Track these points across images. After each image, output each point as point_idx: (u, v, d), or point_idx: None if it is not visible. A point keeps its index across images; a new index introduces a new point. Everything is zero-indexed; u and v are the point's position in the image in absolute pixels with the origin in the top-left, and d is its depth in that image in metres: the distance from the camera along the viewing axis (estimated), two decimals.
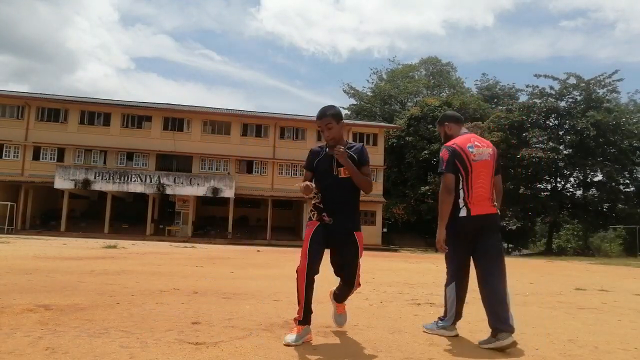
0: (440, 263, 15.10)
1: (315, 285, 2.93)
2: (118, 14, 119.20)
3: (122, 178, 31.38)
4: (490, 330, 2.91)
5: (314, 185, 2.92)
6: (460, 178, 3.07)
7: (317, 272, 2.93)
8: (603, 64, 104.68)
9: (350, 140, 3.07)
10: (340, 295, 3.27)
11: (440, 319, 3.34)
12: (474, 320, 3.88)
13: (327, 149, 3.05)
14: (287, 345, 2.74)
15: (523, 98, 41.50)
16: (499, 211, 3.23)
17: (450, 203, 3.06)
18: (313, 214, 3.03)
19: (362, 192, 3.06)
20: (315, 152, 3.14)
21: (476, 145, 3.13)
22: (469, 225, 3.05)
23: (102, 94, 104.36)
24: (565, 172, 36.39)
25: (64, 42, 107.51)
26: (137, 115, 34.43)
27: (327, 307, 4.30)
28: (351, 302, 4.72)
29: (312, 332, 2.94)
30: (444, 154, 3.10)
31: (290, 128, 35.94)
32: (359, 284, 3.19)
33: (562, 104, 36.24)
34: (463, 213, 3.05)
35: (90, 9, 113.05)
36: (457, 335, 3.23)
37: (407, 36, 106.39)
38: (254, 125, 35.56)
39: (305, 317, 2.87)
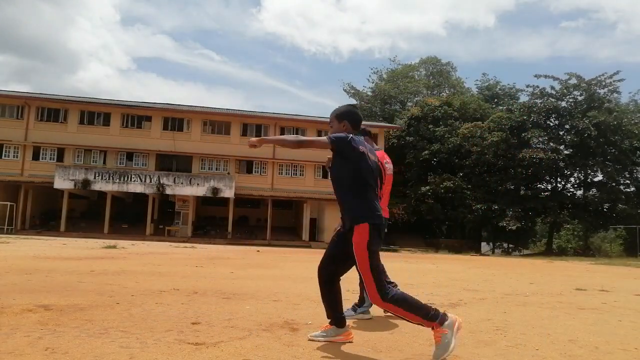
0: (440, 263, 15.09)
1: (335, 288, 2.91)
2: (119, 14, 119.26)
3: (122, 178, 31.37)
4: None
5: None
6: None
7: (329, 272, 2.87)
8: (603, 64, 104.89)
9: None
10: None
11: (357, 305, 3.82)
12: (474, 321, 3.88)
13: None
14: (309, 339, 2.90)
15: (523, 98, 41.51)
16: None
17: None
18: None
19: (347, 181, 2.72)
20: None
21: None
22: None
23: (104, 95, 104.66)
24: (566, 172, 36.39)
25: (65, 42, 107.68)
26: (136, 115, 34.43)
27: None
28: (351, 302, 4.71)
29: (341, 334, 2.90)
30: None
31: (290, 128, 35.96)
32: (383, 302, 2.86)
33: (563, 104, 36.24)
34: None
35: (92, 10, 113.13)
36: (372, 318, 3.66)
37: (408, 36, 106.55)
38: (254, 125, 35.57)
39: (332, 318, 2.91)
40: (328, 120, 3.00)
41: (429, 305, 2.59)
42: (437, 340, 2.51)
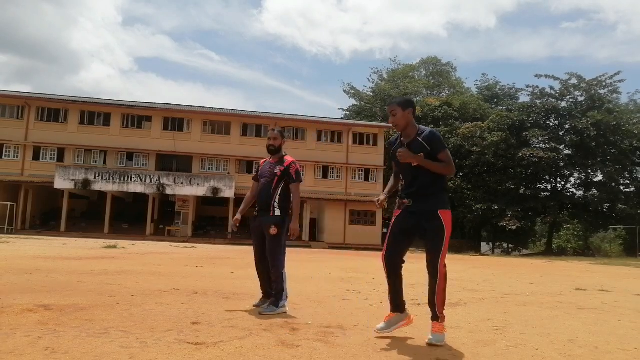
0: None
1: (399, 274, 3.09)
2: (121, 16, 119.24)
3: (122, 178, 31.37)
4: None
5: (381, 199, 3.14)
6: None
7: (395, 262, 3.05)
8: (602, 65, 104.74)
9: (421, 126, 3.07)
10: (429, 298, 2.98)
11: (276, 301, 3.91)
12: (474, 321, 3.88)
13: (402, 139, 3.09)
14: (376, 332, 3.04)
15: (523, 98, 41.55)
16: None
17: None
18: (396, 203, 3.12)
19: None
20: (391, 142, 3.19)
21: None
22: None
23: (105, 95, 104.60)
24: (566, 172, 36.39)
25: (67, 42, 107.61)
26: (137, 116, 34.42)
27: (327, 307, 4.30)
28: (351, 302, 4.73)
29: (404, 320, 3.14)
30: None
31: (290, 128, 35.91)
32: (444, 267, 2.93)
33: (563, 104, 36.24)
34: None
35: (94, 11, 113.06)
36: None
37: (409, 37, 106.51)
38: (254, 125, 35.55)
39: (394, 305, 3.11)
40: (388, 108, 3.11)
41: None
42: (441, 331, 2.91)
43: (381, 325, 3.08)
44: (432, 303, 2.96)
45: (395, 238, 3.04)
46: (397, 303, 3.10)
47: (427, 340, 2.90)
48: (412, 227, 3.00)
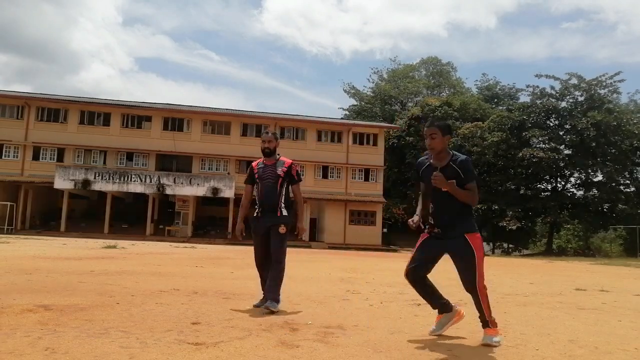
0: (440, 263, 15.09)
1: (426, 284, 3.20)
2: (121, 16, 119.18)
3: (122, 178, 31.37)
4: None
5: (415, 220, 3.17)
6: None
7: (419, 275, 3.15)
8: (601, 65, 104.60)
9: (455, 152, 3.15)
10: (479, 312, 3.05)
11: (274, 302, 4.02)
12: (474, 321, 3.87)
13: (432, 160, 3.13)
14: (430, 333, 3.19)
15: (523, 98, 41.56)
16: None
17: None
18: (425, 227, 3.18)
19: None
20: (420, 163, 3.24)
21: None
22: None
23: (105, 95, 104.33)
24: (566, 172, 36.38)
25: (67, 43, 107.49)
26: (137, 116, 34.43)
27: (327, 307, 4.30)
28: (351, 302, 4.73)
29: (454, 317, 3.24)
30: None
31: (290, 128, 35.94)
32: (484, 287, 3.01)
33: (563, 104, 36.24)
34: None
35: (94, 11, 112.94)
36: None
37: (409, 37, 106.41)
38: (254, 125, 35.55)
39: (438, 307, 3.21)
40: (428, 130, 3.10)
41: None
42: (495, 333, 3.02)
43: (433, 327, 3.23)
44: (481, 316, 3.05)
45: (420, 260, 3.12)
46: (439, 305, 3.20)
47: (481, 342, 3.00)
48: (439, 251, 3.11)
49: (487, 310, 3.02)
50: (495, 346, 2.93)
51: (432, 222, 3.07)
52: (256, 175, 4.24)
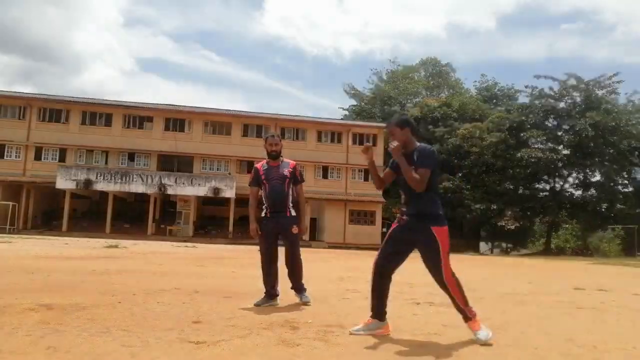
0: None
1: (388, 282, 3.19)
2: (123, 17, 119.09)
3: (124, 178, 31.39)
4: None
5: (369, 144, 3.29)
6: None
7: (387, 269, 3.14)
8: (600, 65, 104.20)
9: (422, 144, 3.18)
10: (454, 305, 3.09)
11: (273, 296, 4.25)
12: None
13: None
14: (352, 332, 3.11)
15: (522, 99, 41.49)
16: None
17: None
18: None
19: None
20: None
21: None
22: None
23: (108, 97, 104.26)
24: (564, 172, 36.38)
25: (70, 44, 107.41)
26: (138, 116, 34.46)
27: (327, 306, 4.32)
28: (351, 301, 4.75)
29: (382, 328, 3.15)
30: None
31: (290, 128, 35.95)
32: (452, 278, 3.03)
33: (561, 104, 36.22)
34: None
35: (96, 12, 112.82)
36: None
37: (409, 39, 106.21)
38: (255, 126, 35.56)
39: (376, 311, 3.17)
40: (386, 129, 3.34)
41: None
42: (478, 328, 3.00)
43: (358, 327, 3.16)
44: (457, 308, 3.09)
45: (390, 248, 3.13)
46: (380, 311, 3.18)
47: (475, 339, 2.99)
48: (408, 241, 3.10)
49: (461, 299, 3.04)
50: (484, 341, 2.91)
51: (403, 211, 3.12)
52: (262, 177, 4.31)
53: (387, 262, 3.14)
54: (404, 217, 3.09)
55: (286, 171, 4.30)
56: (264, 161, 4.40)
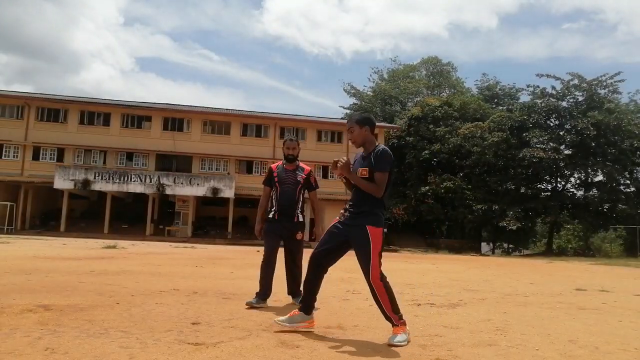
0: (440, 263, 15.08)
1: (320, 276, 3.17)
2: (122, 16, 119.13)
3: (122, 178, 31.37)
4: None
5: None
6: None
7: (323, 261, 3.12)
8: (601, 65, 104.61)
9: (380, 145, 3.18)
10: (381, 312, 3.10)
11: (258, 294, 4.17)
12: (474, 321, 3.88)
13: (363, 153, 3.20)
14: (276, 322, 3.11)
15: (523, 98, 41.50)
16: None
17: None
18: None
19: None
20: (356, 157, 3.31)
21: None
22: None
23: (107, 96, 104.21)
24: (566, 172, 36.36)
25: (68, 43, 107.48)
26: (136, 116, 34.42)
27: (327, 307, 4.30)
28: (351, 302, 4.73)
29: (306, 322, 3.13)
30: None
31: (290, 128, 35.95)
32: (380, 281, 3.00)
33: (563, 104, 36.21)
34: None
35: (95, 11, 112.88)
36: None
37: (410, 38, 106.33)
38: (254, 125, 35.57)
39: (304, 304, 3.15)
40: (346, 126, 3.25)
41: None
42: (398, 332, 2.93)
43: (283, 318, 3.15)
44: (383, 314, 3.04)
45: (327, 243, 3.13)
46: (308, 304, 3.16)
47: (387, 343, 2.91)
48: (344, 237, 3.10)
49: (387, 305, 2.99)
50: (398, 346, 2.82)
51: (346, 207, 3.16)
52: (276, 179, 4.30)
53: (322, 255, 3.13)
54: (346, 214, 3.12)
55: (300, 177, 4.33)
56: (280, 162, 4.42)
